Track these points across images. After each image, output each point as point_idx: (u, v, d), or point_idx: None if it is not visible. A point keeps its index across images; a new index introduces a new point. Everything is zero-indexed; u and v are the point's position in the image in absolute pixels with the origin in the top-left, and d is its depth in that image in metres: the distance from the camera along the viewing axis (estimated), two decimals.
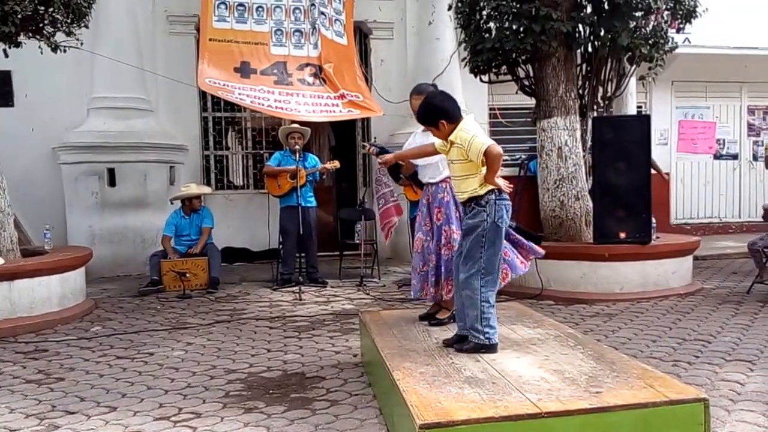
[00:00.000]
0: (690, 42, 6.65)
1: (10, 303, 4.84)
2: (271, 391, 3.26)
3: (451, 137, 2.99)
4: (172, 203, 6.90)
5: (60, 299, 5.18)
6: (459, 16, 6.54)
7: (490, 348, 2.91)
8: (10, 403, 3.19)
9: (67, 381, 3.52)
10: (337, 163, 6.59)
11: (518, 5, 5.78)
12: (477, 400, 2.23)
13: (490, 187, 2.94)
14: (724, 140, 10.39)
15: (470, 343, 2.94)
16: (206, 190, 7.14)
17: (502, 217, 2.95)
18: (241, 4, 6.83)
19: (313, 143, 8.88)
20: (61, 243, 6.87)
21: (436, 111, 3.00)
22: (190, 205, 6.60)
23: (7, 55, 5.27)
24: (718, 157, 10.35)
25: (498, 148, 2.91)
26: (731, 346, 3.94)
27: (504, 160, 3.01)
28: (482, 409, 2.13)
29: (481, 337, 2.91)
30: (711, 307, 5.11)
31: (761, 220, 6.55)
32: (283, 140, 6.61)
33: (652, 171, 5.71)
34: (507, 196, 3.01)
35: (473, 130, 2.98)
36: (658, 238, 5.95)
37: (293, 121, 6.62)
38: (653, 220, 5.71)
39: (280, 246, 6.66)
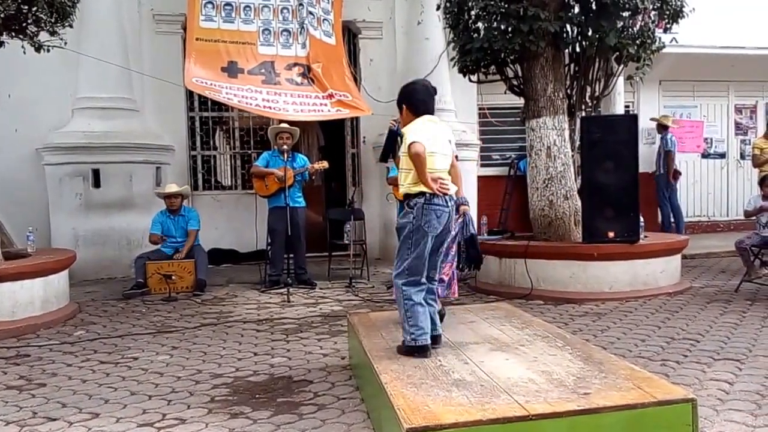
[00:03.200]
0: (677, 42, 6.64)
1: None
2: (257, 396, 3.23)
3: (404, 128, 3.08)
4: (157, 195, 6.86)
5: (43, 303, 5.09)
6: (447, 15, 6.53)
7: (420, 350, 2.89)
8: None
9: (49, 387, 3.47)
10: (325, 164, 6.55)
11: (506, 5, 5.77)
12: (465, 402, 2.22)
13: (422, 189, 2.95)
14: (711, 139, 10.44)
15: (403, 344, 2.97)
16: (186, 190, 7.09)
17: (429, 222, 2.96)
18: (228, 4, 6.77)
19: (302, 143, 8.83)
20: (44, 245, 6.77)
21: (404, 95, 3.14)
22: (169, 203, 6.53)
23: None
24: (705, 156, 10.40)
25: (416, 148, 2.89)
26: (720, 345, 3.95)
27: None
28: (470, 412, 2.12)
29: (407, 337, 2.93)
30: (699, 306, 5.12)
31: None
32: (272, 140, 6.56)
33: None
34: (441, 202, 2.99)
35: (416, 127, 3.01)
36: (646, 237, 5.97)
37: (282, 121, 6.57)
38: (641, 219, 5.72)
39: (268, 247, 6.61)
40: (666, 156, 9.09)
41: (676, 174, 9.30)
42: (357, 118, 8.37)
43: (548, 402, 2.18)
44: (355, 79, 7.88)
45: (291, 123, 6.52)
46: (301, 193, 6.54)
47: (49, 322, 4.95)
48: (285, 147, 6.24)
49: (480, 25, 6.12)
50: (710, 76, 9.99)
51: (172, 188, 6.63)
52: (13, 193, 7.20)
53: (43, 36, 5.30)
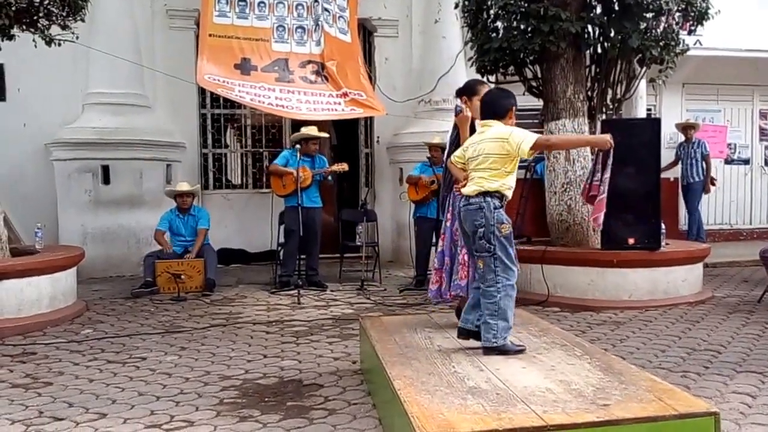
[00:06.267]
0: (701, 44, 6.46)
1: None
2: (266, 399, 3.17)
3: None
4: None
5: (50, 300, 5.03)
6: (466, 14, 6.43)
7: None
8: None
9: (56, 386, 3.42)
10: (345, 166, 6.49)
11: (526, 5, 5.67)
12: (480, 411, 2.16)
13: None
14: (735, 145, 10.18)
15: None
16: (197, 190, 7.02)
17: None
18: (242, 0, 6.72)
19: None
20: (52, 242, 6.72)
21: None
22: (181, 202, 6.47)
23: None
24: (729, 162, 10.13)
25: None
26: (742, 356, 3.85)
27: None
28: (486, 420, 2.07)
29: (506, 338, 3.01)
30: (721, 316, 4.99)
31: None
32: (297, 142, 6.47)
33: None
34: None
35: None
36: (667, 244, 5.83)
37: (309, 122, 6.52)
38: (662, 225, 5.58)
39: (279, 247, 6.53)
40: (704, 161, 8.85)
41: (713, 181, 9.03)
42: (371, 118, 8.29)
43: (566, 412, 2.12)
44: (370, 78, 7.80)
45: (308, 122, 6.46)
46: (318, 193, 6.49)
47: (56, 320, 4.90)
48: (314, 154, 6.33)
49: (499, 24, 6.02)
50: (734, 79, 9.72)
51: (183, 187, 6.58)
52: (21, 189, 7.18)
53: (54, 30, 5.26)
